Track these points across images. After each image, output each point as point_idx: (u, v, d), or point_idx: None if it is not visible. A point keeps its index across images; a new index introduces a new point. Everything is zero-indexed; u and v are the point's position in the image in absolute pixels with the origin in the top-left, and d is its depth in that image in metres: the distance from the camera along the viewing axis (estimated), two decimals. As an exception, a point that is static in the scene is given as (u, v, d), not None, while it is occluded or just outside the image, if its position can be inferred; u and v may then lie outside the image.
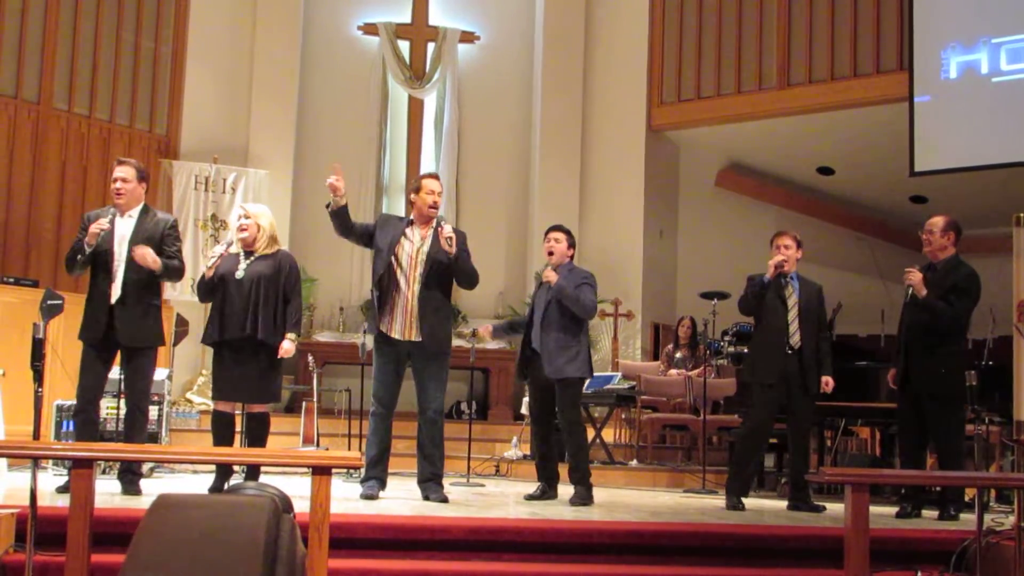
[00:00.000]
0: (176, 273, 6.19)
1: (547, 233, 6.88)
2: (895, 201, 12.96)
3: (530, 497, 6.68)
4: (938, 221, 6.62)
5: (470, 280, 6.32)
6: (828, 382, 6.85)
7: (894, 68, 11.00)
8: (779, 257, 6.78)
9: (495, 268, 12.58)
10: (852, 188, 13.24)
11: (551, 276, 6.60)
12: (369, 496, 6.00)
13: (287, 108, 11.95)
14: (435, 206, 6.30)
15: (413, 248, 6.20)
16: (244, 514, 2.25)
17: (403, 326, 6.14)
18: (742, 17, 11.91)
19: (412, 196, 6.38)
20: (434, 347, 6.16)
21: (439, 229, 6.18)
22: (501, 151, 12.84)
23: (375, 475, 6.14)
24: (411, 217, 6.34)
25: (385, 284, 6.18)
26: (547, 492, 6.73)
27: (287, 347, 6.07)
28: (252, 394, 6.13)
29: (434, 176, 6.51)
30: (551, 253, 6.77)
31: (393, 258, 6.18)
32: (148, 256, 5.85)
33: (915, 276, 6.47)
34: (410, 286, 6.16)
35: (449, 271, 6.23)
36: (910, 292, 6.52)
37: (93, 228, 5.84)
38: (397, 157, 12.69)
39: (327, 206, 6.18)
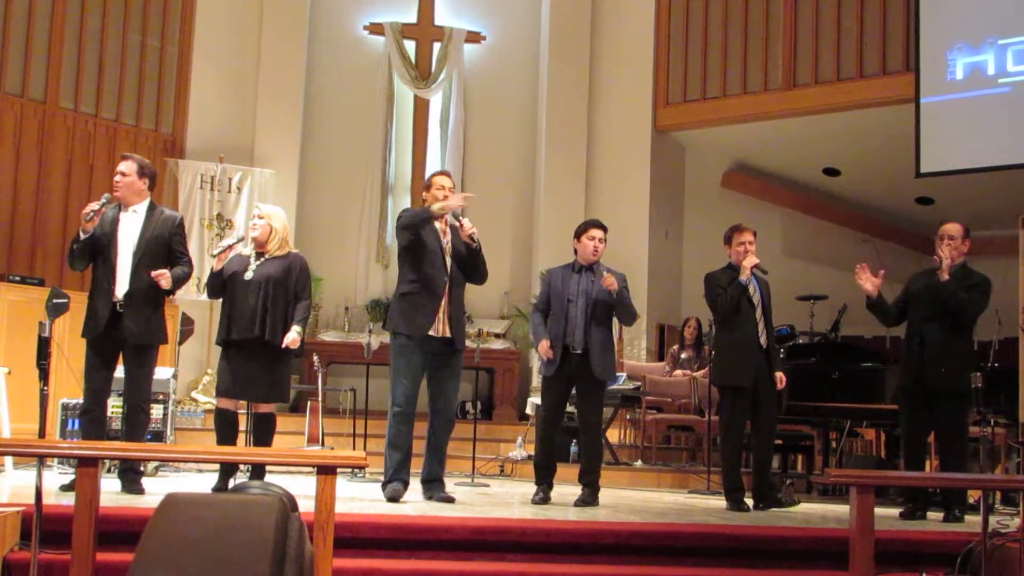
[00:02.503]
0: (186, 279, 6.19)
1: (589, 229, 6.72)
2: (901, 202, 12.96)
3: (540, 501, 6.50)
4: (958, 228, 6.58)
5: (485, 273, 6.37)
6: (781, 378, 6.83)
7: (900, 69, 10.99)
8: (754, 259, 6.74)
9: (501, 268, 12.55)
10: (858, 189, 13.22)
11: (614, 284, 6.48)
12: (395, 498, 5.96)
13: (293, 107, 11.95)
14: None
15: (442, 243, 6.23)
16: (253, 513, 2.26)
17: (439, 323, 6.15)
18: (748, 18, 11.90)
19: (424, 194, 6.39)
20: (460, 344, 6.25)
21: (459, 224, 6.20)
22: (507, 151, 12.84)
23: (403, 477, 6.13)
24: None
25: (422, 281, 6.17)
26: (548, 495, 6.63)
27: (292, 337, 6.02)
28: (259, 393, 6.14)
29: (444, 173, 6.49)
30: (596, 251, 6.68)
31: (431, 254, 6.19)
32: (162, 277, 5.85)
33: (947, 259, 6.44)
34: (446, 279, 6.20)
35: (463, 266, 6.28)
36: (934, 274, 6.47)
37: (84, 212, 5.83)
38: (403, 157, 12.70)
39: (429, 212, 6.15)
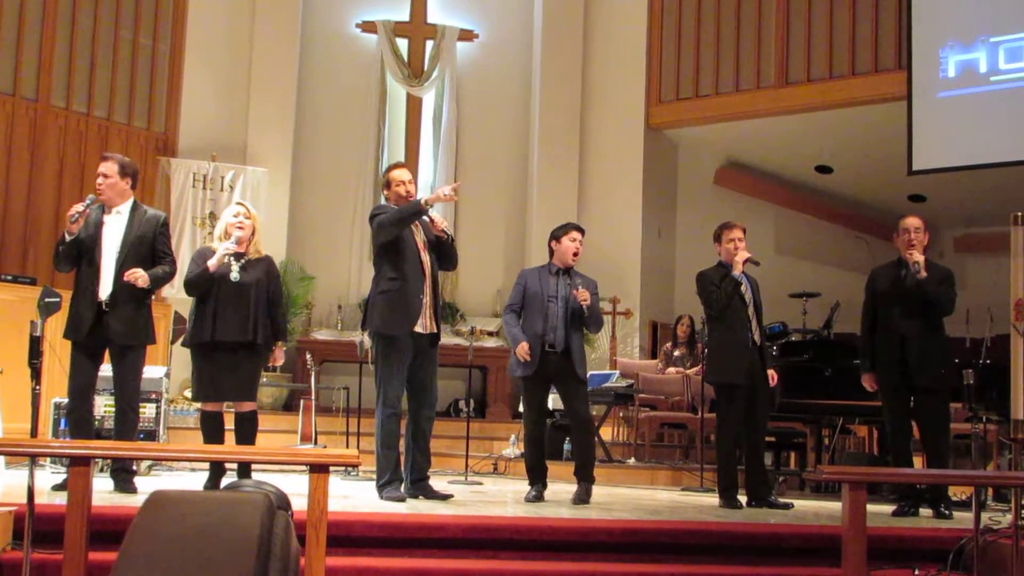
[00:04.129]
0: (167, 279, 6.11)
1: (569, 231, 6.70)
2: (893, 200, 12.97)
3: (534, 499, 6.45)
4: (919, 221, 6.59)
5: (457, 260, 6.42)
6: (773, 375, 6.86)
7: (892, 67, 11.01)
8: (746, 253, 6.76)
9: (493, 266, 12.58)
10: (850, 187, 13.25)
11: (587, 299, 6.47)
12: (402, 499, 5.93)
13: (285, 106, 11.94)
14: (410, 196, 6.26)
15: (419, 237, 6.20)
16: (238, 510, 2.25)
17: (425, 319, 6.12)
18: (740, 15, 11.92)
19: (385, 192, 6.37)
20: (439, 338, 6.25)
21: (429, 219, 6.17)
22: (499, 149, 12.84)
23: (400, 476, 6.12)
24: None
25: (402, 278, 6.10)
26: (542, 494, 6.59)
27: (280, 356, 6.26)
28: (242, 392, 6.14)
29: (400, 165, 6.46)
30: (576, 254, 6.67)
31: (409, 250, 6.14)
32: (137, 277, 5.79)
33: (921, 256, 6.43)
34: (425, 277, 6.16)
35: (438, 256, 6.29)
36: (905, 275, 6.47)
37: (69, 213, 5.79)
38: (395, 155, 12.67)
39: (420, 205, 6.09)
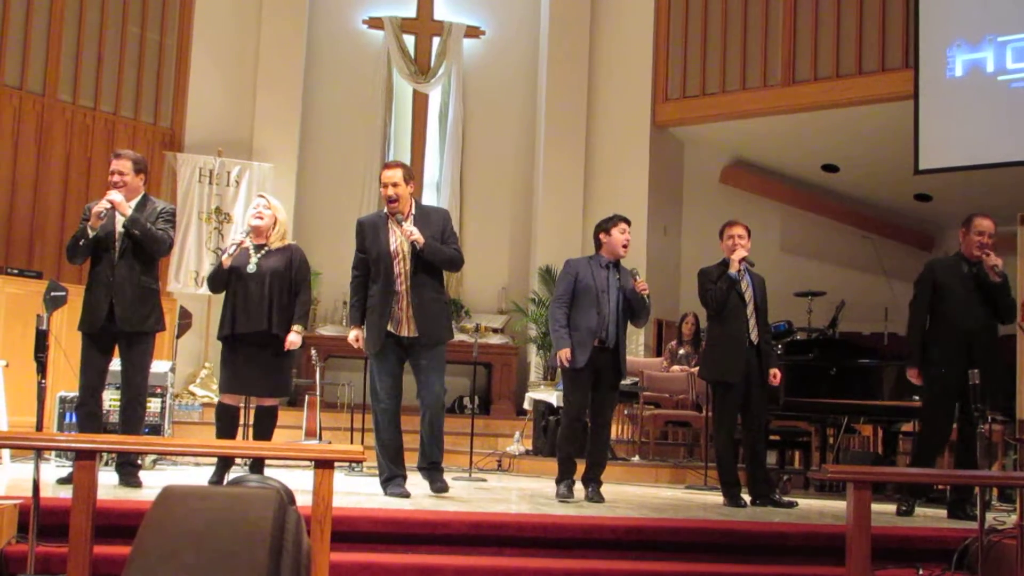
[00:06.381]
0: (156, 237, 5.90)
1: (619, 223, 6.60)
2: (899, 199, 12.95)
3: (566, 495, 6.29)
4: (993, 226, 6.48)
5: (449, 266, 6.24)
6: (776, 374, 6.84)
7: (899, 66, 10.98)
8: (743, 252, 6.74)
9: (499, 263, 12.58)
10: (856, 186, 13.22)
11: (646, 287, 6.46)
12: (404, 495, 5.89)
13: (292, 101, 11.95)
14: (393, 199, 6.06)
15: (397, 242, 6.07)
16: (250, 505, 2.25)
17: (404, 326, 6.04)
18: (747, 13, 11.90)
19: (381, 191, 6.23)
20: (432, 338, 6.06)
21: (400, 228, 6.03)
22: (505, 146, 12.84)
23: (401, 472, 6.10)
24: (386, 212, 6.18)
25: (383, 282, 6.05)
26: (573, 488, 6.44)
27: (293, 339, 6.08)
28: (264, 388, 6.15)
29: (390, 165, 6.22)
30: (626, 246, 6.61)
31: (379, 266, 6.06)
32: (118, 199, 5.75)
33: (999, 260, 6.34)
34: (397, 289, 6.03)
35: (430, 264, 6.12)
36: (968, 272, 6.39)
37: (96, 209, 5.79)
38: (401, 152, 12.70)
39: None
